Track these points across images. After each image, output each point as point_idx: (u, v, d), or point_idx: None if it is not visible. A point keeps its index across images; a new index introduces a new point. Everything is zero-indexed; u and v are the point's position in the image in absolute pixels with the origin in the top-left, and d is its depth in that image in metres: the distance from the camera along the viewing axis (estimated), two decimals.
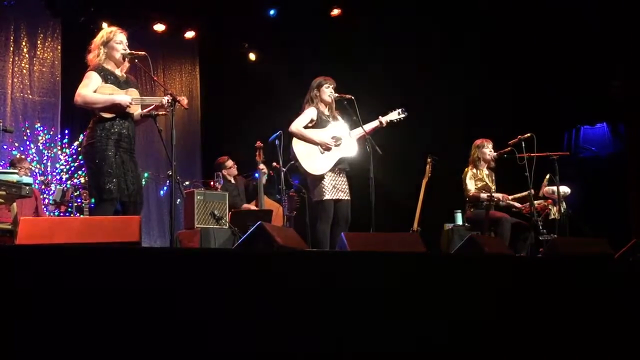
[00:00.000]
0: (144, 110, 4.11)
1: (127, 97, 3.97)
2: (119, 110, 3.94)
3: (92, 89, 3.92)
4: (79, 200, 6.63)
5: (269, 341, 2.10)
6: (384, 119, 4.98)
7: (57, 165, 8.17)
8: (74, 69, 5.91)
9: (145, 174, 8.06)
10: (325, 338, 2.23)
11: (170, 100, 3.94)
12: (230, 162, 6.90)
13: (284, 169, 5.23)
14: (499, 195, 5.85)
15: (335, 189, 4.78)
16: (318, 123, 4.88)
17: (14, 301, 1.77)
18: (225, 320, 2.06)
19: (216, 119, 9.44)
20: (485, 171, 6.04)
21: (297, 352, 2.15)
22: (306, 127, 4.85)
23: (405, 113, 5.04)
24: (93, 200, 4.19)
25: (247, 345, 2.06)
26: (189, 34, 9.20)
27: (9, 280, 1.77)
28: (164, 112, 4.03)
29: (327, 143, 4.80)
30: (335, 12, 8.71)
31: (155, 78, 4.60)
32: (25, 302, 1.78)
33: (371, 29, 8.25)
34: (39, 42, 8.35)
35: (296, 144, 4.83)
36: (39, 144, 8.06)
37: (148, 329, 1.92)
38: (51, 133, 8.22)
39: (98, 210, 3.86)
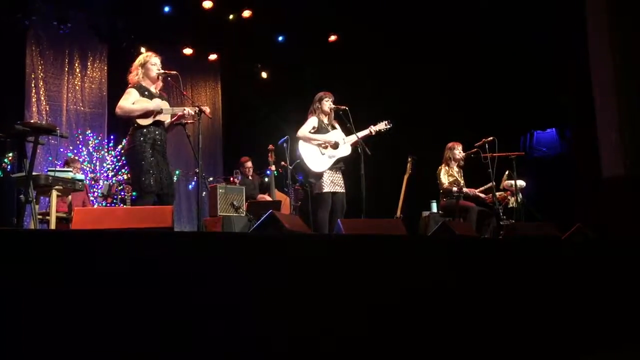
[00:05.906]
0: (174, 119, 4.11)
1: (158, 103, 3.96)
2: (151, 115, 3.92)
3: (130, 102, 3.92)
4: (122, 193, 6.63)
5: (279, 303, 2.12)
6: (374, 128, 4.96)
7: (104, 165, 8.17)
8: (117, 85, 5.91)
9: (177, 172, 8.07)
10: (327, 302, 2.25)
11: (197, 111, 3.94)
12: (249, 163, 6.93)
13: (290, 167, 5.23)
14: (468, 190, 5.85)
15: (333, 183, 4.78)
16: (319, 130, 4.87)
17: (72, 275, 1.77)
18: (241, 288, 2.07)
19: (235, 126, 9.44)
20: (456, 168, 6.03)
21: (305, 309, 2.16)
22: (309, 132, 4.85)
23: (391, 124, 5.03)
24: (135, 194, 4.19)
25: (258, 305, 2.07)
26: (212, 57, 9.22)
27: (67, 259, 1.78)
28: (192, 121, 4.04)
29: (330, 141, 4.80)
30: (332, 37, 8.75)
31: (184, 93, 4.60)
32: (82, 276, 1.79)
33: (361, 50, 8.24)
34: (89, 63, 8.34)
35: (301, 147, 4.83)
36: (89, 147, 8.07)
37: (180, 296, 1.93)
38: (99, 138, 8.22)
39: (140, 201, 3.85)
